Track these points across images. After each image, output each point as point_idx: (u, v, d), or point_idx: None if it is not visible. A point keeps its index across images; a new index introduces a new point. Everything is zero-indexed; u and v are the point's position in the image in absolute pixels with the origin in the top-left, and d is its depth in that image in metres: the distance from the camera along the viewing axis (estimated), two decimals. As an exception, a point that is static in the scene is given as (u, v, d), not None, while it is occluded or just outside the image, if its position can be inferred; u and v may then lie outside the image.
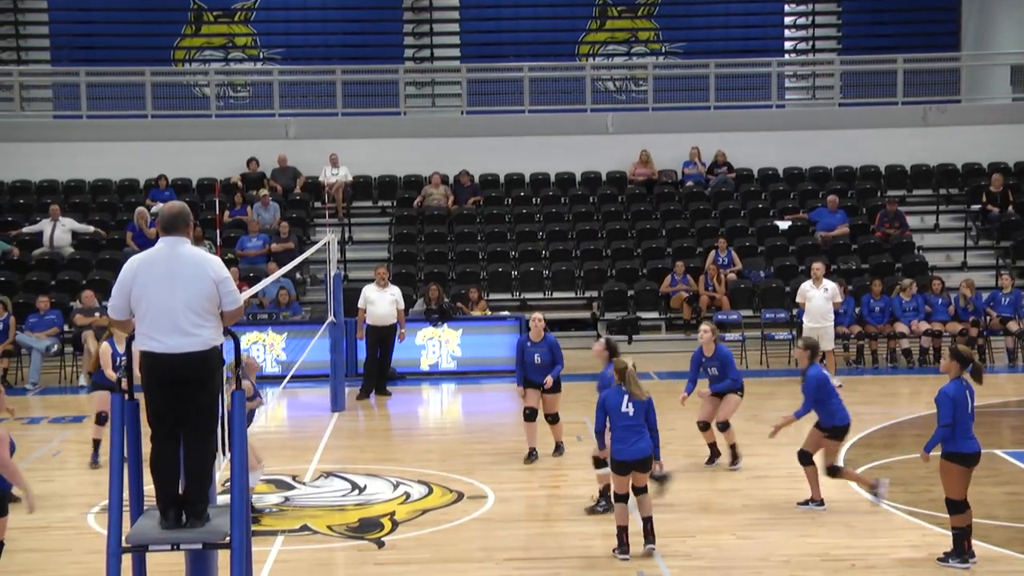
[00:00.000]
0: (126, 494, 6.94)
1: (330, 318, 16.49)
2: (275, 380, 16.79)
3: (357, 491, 11.91)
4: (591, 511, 10.92)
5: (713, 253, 21.56)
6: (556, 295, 21.99)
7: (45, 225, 21.98)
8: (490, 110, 25.85)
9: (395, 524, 10.76)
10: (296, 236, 22.07)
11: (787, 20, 29.57)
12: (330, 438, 14.63)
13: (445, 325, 18.87)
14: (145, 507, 7.14)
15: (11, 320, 18.59)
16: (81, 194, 24.13)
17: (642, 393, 9.65)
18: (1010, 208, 23.34)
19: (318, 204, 22.94)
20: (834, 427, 10.92)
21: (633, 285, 21.74)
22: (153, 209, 22.00)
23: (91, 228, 22.34)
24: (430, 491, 11.84)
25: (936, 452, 9.44)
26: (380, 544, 10.23)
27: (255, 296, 17.22)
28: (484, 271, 22.20)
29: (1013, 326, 19.50)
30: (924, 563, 9.47)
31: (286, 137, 24.78)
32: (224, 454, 7.49)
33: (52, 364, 18.78)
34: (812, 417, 11.03)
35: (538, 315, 13.21)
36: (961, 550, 9.32)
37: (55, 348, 18.76)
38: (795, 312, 18.63)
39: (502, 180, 24.97)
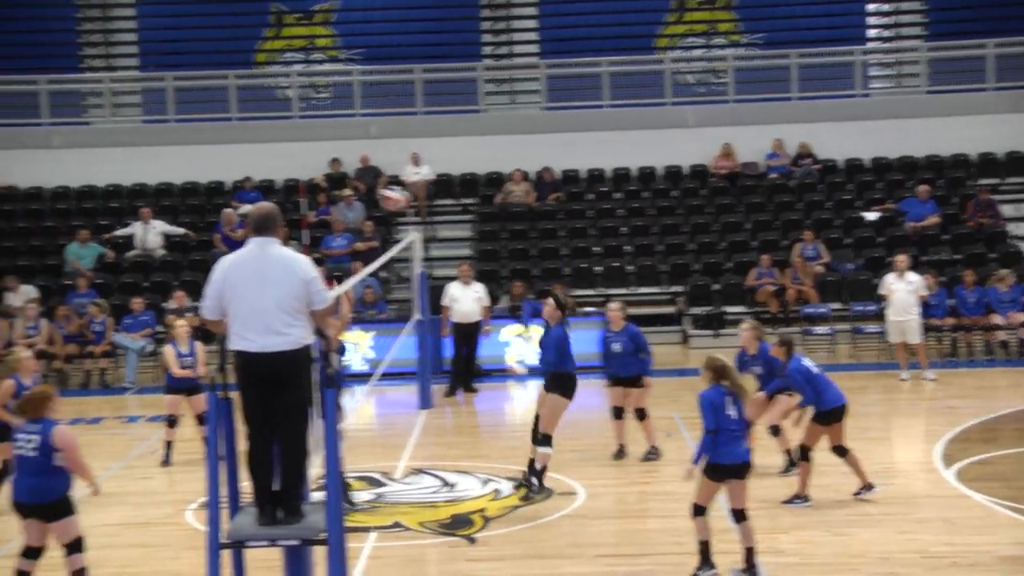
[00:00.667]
0: (223, 491, 7.04)
1: (416, 316, 16.57)
2: (363, 378, 16.94)
3: (447, 488, 11.96)
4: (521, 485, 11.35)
5: (799, 246, 21.27)
6: (640, 290, 21.87)
7: (137, 228, 22.43)
8: (569, 106, 25.78)
9: (486, 520, 10.77)
10: (380, 235, 22.23)
11: (870, 7, 29.03)
12: (419, 435, 14.71)
13: (532, 322, 18.82)
14: (242, 503, 7.25)
15: (108, 322, 19.01)
16: (171, 197, 24.57)
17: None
18: (1107, 194, 22.71)
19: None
20: (832, 410, 10.67)
21: (718, 279, 21.54)
22: (239, 211, 22.32)
23: (181, 230, 22.74)
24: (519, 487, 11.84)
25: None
26: (471, 540, 10.26)
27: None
28: (567, 267, 22.16)
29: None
30: (1028, 560, 9.25)
31: (368, 137, 24.96)
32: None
33: (148, 364, 19.16)
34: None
35: (615, 304, 13.13)
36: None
37: (149, 348, 19.13)
38: (883, 305, 18.32)
39: (583, 175, 24.90)
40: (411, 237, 17.01)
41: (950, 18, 28.12)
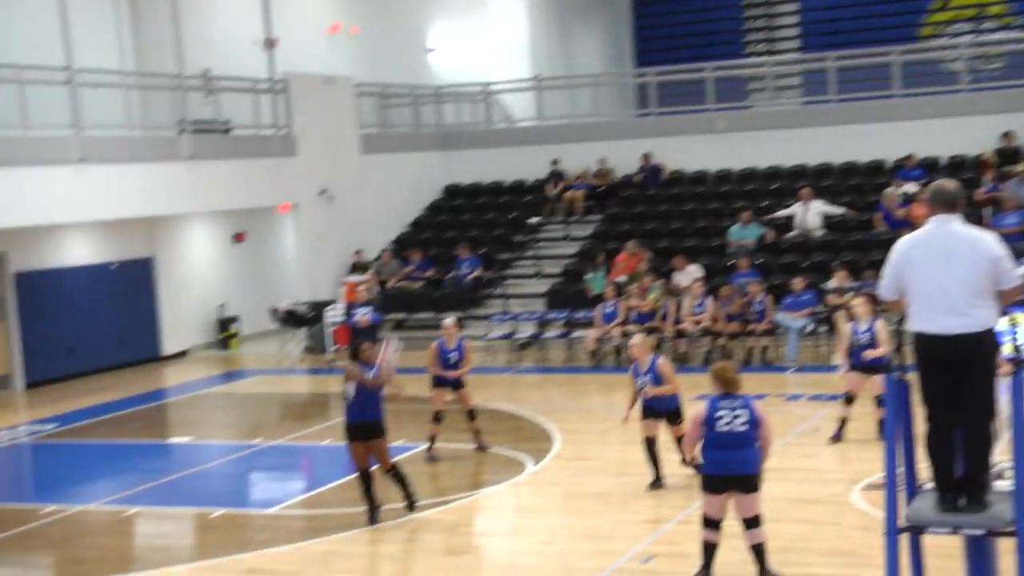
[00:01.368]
0: (900, 474, 6.90)
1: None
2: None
3: None
4: None
5: None
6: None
7: (796, 208, 22.72)
8: None
9: None
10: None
11: None
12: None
13: None
14: (920, 488, 7.06)
15: (767, 300, 19.52)
16: (830, 177, 24.58)
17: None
18: None
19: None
20: None
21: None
22: (901, 189, 21.78)
23: (841, 209, 22.66)
24: None
25: None
26: None
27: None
28: None
29: None
30: None
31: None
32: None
33: (808, 343, 19.36)
34: None
35: None
36: None
37: (809, 327, 19.33)
38: None
39: None
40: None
41: None
